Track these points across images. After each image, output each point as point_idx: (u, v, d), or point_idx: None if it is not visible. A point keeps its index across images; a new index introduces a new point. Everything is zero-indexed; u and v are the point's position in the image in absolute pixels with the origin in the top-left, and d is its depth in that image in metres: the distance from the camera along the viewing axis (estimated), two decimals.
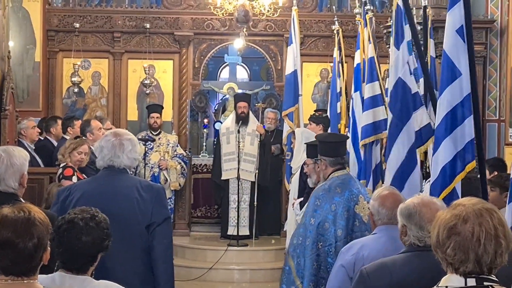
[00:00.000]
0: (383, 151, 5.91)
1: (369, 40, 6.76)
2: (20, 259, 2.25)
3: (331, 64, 9.23)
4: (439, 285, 2.18)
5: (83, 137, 6.55)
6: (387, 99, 5.77)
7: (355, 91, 7.27)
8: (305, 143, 5.87)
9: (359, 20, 7.84)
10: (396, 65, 4.98)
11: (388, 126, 5.11)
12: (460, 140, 4.12)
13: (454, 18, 4.14)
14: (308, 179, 5.61)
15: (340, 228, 4.50)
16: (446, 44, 4.19)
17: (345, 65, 8.78)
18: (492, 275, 2.14)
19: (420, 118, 5.11)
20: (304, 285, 4.50)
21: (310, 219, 4.61)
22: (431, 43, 6.30)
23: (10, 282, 2.26)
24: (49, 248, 2.34)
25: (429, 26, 6.63)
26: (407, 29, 5.18)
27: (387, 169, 5.02)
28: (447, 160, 4.13)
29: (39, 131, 7.89)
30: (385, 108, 5.91)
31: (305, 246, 4.55)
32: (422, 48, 5.82)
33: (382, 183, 5.70)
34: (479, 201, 2.18)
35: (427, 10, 6.52)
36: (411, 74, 5.11)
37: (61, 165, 6.04)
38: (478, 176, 4.27)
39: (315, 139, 6.38)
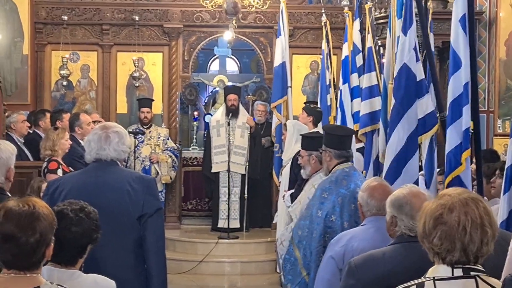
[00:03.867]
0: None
1: (367, 30, 6.75)
2: (22, 253, 2.24)
3: (321, 56, 9.22)
4: (426, 276, 2.19)
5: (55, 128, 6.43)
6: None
7: (344, 83, 7.26)
8: (300, 135, 5.85)
9: (347, 12, 7.84)
10: (402, 51, 4.83)
11: (390, 112, 5.08)
12: (460, 129, 4.19)
13: (457, 7, 4.17)
14: (301, 171, 5.59)
15: (346, 221, 4.48)
16: (451, 34, 4.25)
17: (334, 57, 8.76)
18: (479, 265, 2.15)
19: (425, 105, 5.03)
20: (311, 276, 4.47)
21: (317, 211, 4.58)
22: (431, 36, 6.24)
23: (13, 276, 2.25)
24: (52, 244, 2.32)
25: (430, 19, 6.59)
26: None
27: (386, 154, 4.97)
28: (451, 148, 4.20)
29: (29, 125, 7.85)
30: (381, 98, 5.87)
31: (312, 238, 4.52)
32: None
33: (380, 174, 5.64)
34: (464, 191, 2.19)
35: (428, 3, 6.47)
36: (417, 61, 5.02)
37: (46, 159, 5.98)
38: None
39: (308, 131, 6.42)
